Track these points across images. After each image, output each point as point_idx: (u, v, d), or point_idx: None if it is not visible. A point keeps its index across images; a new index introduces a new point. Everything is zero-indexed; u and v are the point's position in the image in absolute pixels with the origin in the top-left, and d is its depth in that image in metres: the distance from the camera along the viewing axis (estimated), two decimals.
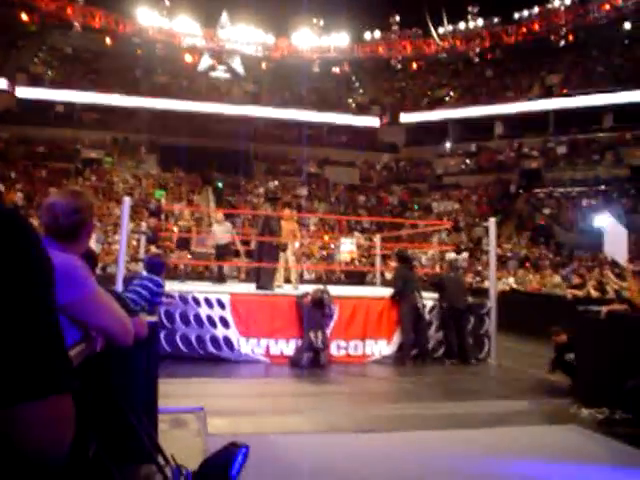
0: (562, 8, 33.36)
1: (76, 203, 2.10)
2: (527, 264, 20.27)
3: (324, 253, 21.63)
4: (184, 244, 12.36)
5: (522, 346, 11.05)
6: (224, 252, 11.91)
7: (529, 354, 10.04)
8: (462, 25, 36.97)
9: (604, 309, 6.60)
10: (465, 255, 20.65)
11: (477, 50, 36.53)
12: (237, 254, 16.65)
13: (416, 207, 31.46)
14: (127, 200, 8.88)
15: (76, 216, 2.07)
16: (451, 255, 17.30)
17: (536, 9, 34.56)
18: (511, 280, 17.16)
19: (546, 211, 27.18)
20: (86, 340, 1.82)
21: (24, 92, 32.20)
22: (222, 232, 11.88)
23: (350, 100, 39.41)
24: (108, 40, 35.44)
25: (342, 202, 32.18)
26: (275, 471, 4.09)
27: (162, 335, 7.89)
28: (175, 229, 13.32)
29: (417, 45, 38.05)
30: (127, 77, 35.04)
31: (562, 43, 33.76)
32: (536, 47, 34.10)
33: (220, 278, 11.83)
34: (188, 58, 36.84)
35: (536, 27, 34.43)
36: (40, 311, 0.88)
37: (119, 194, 25.63)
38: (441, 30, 37.22)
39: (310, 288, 9.18)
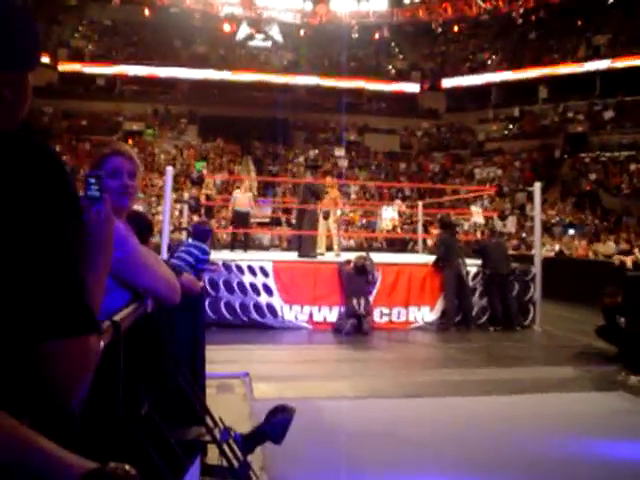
0: None
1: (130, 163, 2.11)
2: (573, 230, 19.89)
3: (364, 221, 21.57)
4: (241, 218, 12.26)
5: (567, 313, 10.89)
6: (244, 220, 11.94)
7: (575, 321, 9.89)
8: None
9: None
10: (512, 220, 20.30)
11: (520, 11, 35.40)
12: (278, 223, 16.73)
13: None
14: (170, 170, 8.96)
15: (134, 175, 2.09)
16: (496, 221, 17.05)
17: None
18: (556, 247, 16.86)
19: (592, 176, 26.46)
20: (136, 301, 1.84)
21: (65, 66, 32.57)
22: (242, 200, 11.91)
23: (390, 66, 38.81)
24: (147, 11, 35.45)
25: (383, 170, 31.92)
26: (320, 434, 4.13)
27: (207, 303, 8.00)
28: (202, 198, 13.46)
29: (458, 7, 37.05)
30: (166, 48, 35.09)
31: (610, 1, 32.41)
32: (582, 6, 32.78)
33: (245, 246, 11.83)
34: (226, 27, 36.62)
35: None
36: (65, 250, 0.88)
37: (161, 165, 25.89)
38: None
39: (352, 256, 9.18)
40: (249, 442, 2.96)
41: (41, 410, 0.83)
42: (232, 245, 12.12)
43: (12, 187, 0.84)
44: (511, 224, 19.23)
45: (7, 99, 0.94)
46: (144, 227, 3.01)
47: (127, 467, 0.71)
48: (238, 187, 12.83)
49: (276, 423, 2.90)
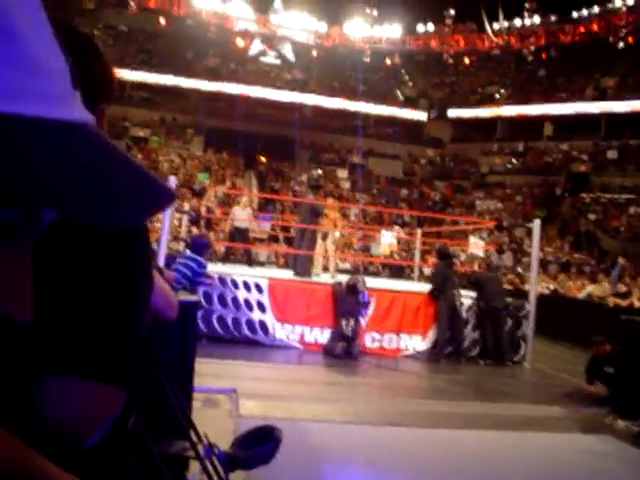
0: (624, 8, 32.30)
1: None
2: (569, 269, 19.91)
3: (360, 245, 21.56)
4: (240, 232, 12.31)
5: (559, 352, 10.88)
6: (243, 236, 11.95)
7: (565, 360, 9.89)
8: (518, 22, 36.16)
9: None
10: (508, 254, 20.35)
11: (532, 48, 35.77)
12: (276, 240, 16.73)
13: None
14: (172, 179, 9.00)
15: None
16: (493, 255, 17.07)
17: (596, 8, 33.49)
18: (551, 285, 16.87)
19: (591, 216, 26.58)
20: None
21: None
22: (242, 215, 11.92)
23: (398, 92, 39.08)
24: (162, 21, 35.76)
25: (384, 194, 32.02)
26: (303, 457, 4.11)
27: (199, 315, 7.98)
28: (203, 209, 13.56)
29: (470, 40, 37.46)
30: (178, 58, 35.33)
31: (620, 45, 32.76)
32: (592, 48, 33.16)
33: (249, 261, 11.87)
34: (240, 42, 36.96)
35: (595, 27, 33.47)
36: (129, 311, 0.90)
37: (164, 173, 25.94)
38: (496, 26, 36.51)
39: (347, 278, 9.18)
40: (231, 462, 2.94)
41: (48, 446, 0.83)
42: (225, 258, 12.12)
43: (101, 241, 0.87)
44: (507, 258, 19.26)
45: None
46: None
47: None
48: (238, 203, 12.86)
49: (260, 454, 2.87)
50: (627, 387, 6.34)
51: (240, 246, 12.01)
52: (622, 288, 13.25)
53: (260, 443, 2.78)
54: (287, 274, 10.42)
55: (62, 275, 0.83)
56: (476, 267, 15.97)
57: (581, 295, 14.62)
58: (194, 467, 2.85)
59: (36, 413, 0.81)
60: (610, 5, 32.84)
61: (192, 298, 3.47)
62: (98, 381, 0.84)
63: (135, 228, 0.92)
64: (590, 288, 14.51)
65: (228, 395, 5.46)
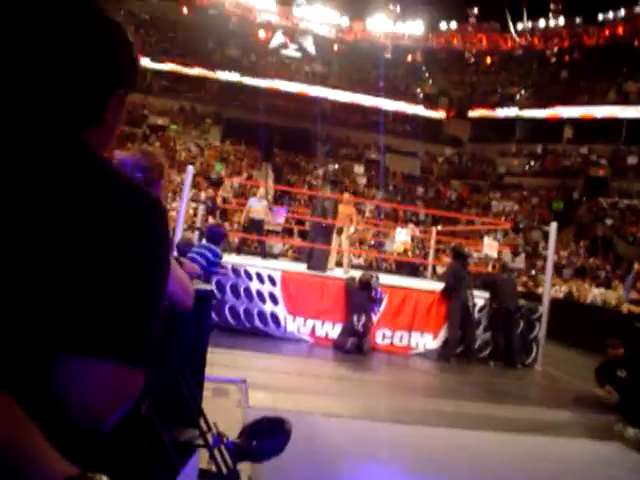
0: None
1: (144, 161, 2.11)
2: (584, 274, 19.77)
3: (374, 241, 21.55)
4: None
5: (570, 356, 10.82)
6: (258, 228, 11.97)
7: (577, 365, 9.82)
8: (542, 23, 35.86)
9: None
10: (521, 257, 20.24)
11: (555, 50, 35.46)
12: (290, 233, 16.74)
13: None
14: (190, 169, 9.02)
15: (143, 175, 2.08)
16: (507, 256, 16.98)
17: (622, 11, 33.09)
18: (564, 288, 16.76)
19: (608, 221, 26.34)
20: None
21: None
22: (257, 207, 11.91)
23: (418, 90, 38.92)
24: (185, 10, 35.83)
25: (399, 192, 31.94)
26: (311, 450, 4.12)
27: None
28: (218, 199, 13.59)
29: (493, 39, 37.20)
30: (199, 48, 35.40)
31: None
32: (617, 52, 32.82)
33: (263, 253, 11.88)
34: (261, 34, 36.97)
35: (620, 30, 33.09)
36: (149, 292, 0.91)
37: (181, 162, 26.05)
38: (520, 26, 36.23)
39: (360, 273, 9.17)
40: (240, 452, 2.95)
41: (64, 428, 0.83)
42: (239, 249, 12.13)
43: (124, 231, 0.87)
44: (519, 261, 19.13)
45: (108, 121, 0.97)
46: None
47: (105, 478, 0.72)
48: (254, 194, 12.84)
49: (270, 446, 2.86)
50: (638, 394, 6.29)
51: (254, 238, 12.01)
52: (634, 295, 13.12)
53: (269, 434, 2.78)
54: (300, 267, 10.42)
55: (85, 255, 0.83)
56: (490, 268, 15.90)
57: (589, 299, 14.53)
58: (203, 456, 2.85)
59: (54, 395, 0.81)
60: (637, 9, 32.39)
61: (207, 287, 3.47)
62: (117, 362, 0.84)
63: (157, 208, 0.93)
64: (599, 292, 14.40)
65: (238, 385, 5.48)
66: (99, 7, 0.94)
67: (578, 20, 35.04)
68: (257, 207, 11.88)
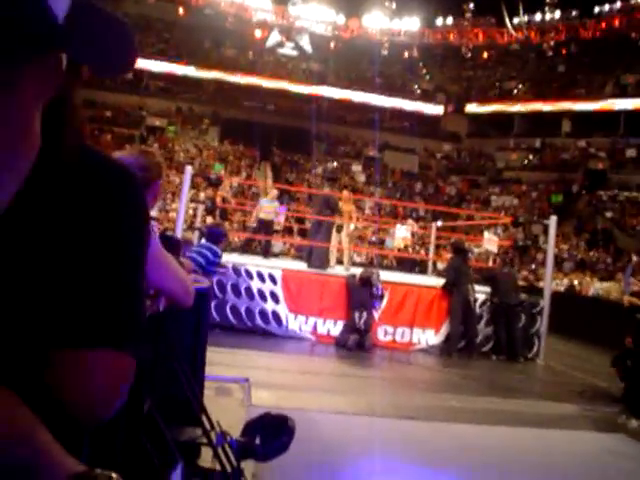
0: None
1: (142, 161, 2.11)
2: (584, 267, 19.76)
3: (375, 238, 21.53)
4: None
5: (572, 349, 10.80)
6: (267, 228, 11.96)
7: (579, 358, 9.82)
8: (538, 16, 35.76)
9: None
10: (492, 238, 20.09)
11: (551, 43, 35.38)
12: (290, 231, 16.74)
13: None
14: (189, 169, 9.02)
15: (141, 174, 2.07)
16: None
17: (618, 4, 32.95)
18: (565, 282, 16.75)
19: (608, 214, 26.33)
20: (150, 299, 1.84)
21: None
22: (268, 208, 11.91)
23: (416, 86, 38.88)
24: (181, 10, 35.79)
25: (399, 188, 31.92)
26: (315, 448, 4.11)
27: (212, 304, 8.00)
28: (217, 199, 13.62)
29: (490, 34, 37.13)
30: (196, 48, 35.36)
31: None
32: (613, 44, 32.73)
33: (266, 252, 11.89)
34: (257, 33, 36.91)
35: (616, 23, 32.98)
36: (130, 271, 0.89)
37: (180, 163, 26.03)
38: (516, 20, 36.12)
39: (360, 270, 9.16)
40: (244, 450, 2.94)
41: (62, 419, 0.82)
42: (244, 249, 12.14)
43: (98, 206, 0.85)
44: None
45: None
46: (174, 247, 3.00)
47: (114, 475, 0.71)
48: (266, 194, 12.86)
49: (275, 447, 2.85)
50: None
51: (261, 237, 12.02)
52: (634, 287, 13.12)
53: (273, 433, 2.77)
54: (301, 265, 10.42)
55: (60, 240, 0.82)
56: (490, 262, 15.90)
57: (590, 292, 14.51)
58: (206, 455, 2.85)
59: (51, 392, 0.80)
60: (633, 1, 32.31)
61: (205, 284, 3.45)
62: (108, 348, 0.83)
63: (131, 182, 0.90)
64: (600, 285, 14.39)
65: (241, 384, 5.48)
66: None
67: (574, 13, 34.93)
68: (267, 207, 11.89)
